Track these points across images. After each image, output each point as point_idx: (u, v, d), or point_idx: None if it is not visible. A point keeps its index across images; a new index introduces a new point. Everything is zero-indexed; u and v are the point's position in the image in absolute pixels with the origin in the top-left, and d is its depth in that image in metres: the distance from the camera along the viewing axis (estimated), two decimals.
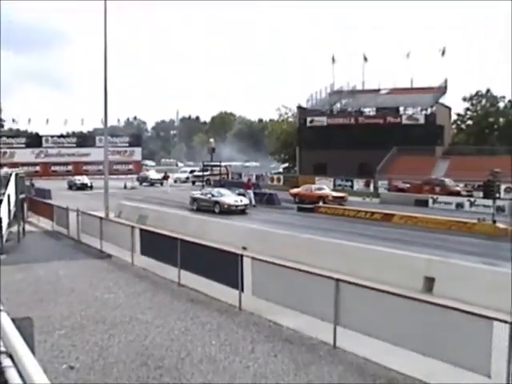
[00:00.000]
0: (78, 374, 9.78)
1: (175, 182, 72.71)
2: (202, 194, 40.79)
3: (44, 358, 10.34)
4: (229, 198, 39.03)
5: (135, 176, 75.47)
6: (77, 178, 66.64)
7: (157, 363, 10.31)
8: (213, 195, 39.30)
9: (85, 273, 18.69)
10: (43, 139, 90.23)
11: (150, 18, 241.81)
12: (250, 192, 43.80)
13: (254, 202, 42.02)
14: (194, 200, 40.43)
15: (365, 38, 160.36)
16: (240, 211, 37.79)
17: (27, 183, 35.03)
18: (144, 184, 70.17)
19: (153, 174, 74.79)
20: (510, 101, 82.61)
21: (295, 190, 48.60)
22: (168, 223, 27.67)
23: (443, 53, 73.28)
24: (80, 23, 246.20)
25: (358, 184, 61.73)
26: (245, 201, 39.60)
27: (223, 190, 41.31)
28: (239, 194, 41.55)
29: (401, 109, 72.98)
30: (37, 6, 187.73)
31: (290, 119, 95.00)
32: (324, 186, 50.71)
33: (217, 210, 37.50)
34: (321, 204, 41.14)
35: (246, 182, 49.72)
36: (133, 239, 19.84)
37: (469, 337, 8.94)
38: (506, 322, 8.53)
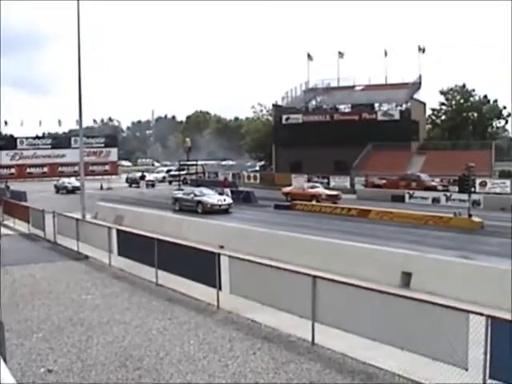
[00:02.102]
0: (56, 377, 9.70)
1: (149, 181, 67.93)
2: (184, 194, 40.20)
3: (22, 362, 10.29)
4: (212, 197, 38.47)
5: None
6: (66, 180, 61.90)
7: (136, 364, 10.26)
8: (195, 195, 38.57)
9: (62, 275, 18.56)
10: (18, 141, 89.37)
11: (124, 18, 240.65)
12: (227, 190, 43.58)
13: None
14: (176, 200, 39.81)
15: (338, 36, 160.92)
16: (223, 211, 37.28)
17: (2, 186, 34.76)
18: (134, 186, 66.87)
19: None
20: (485, 96, 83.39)
21: (287, 189, 47.82)
22: (145, 223, 27.55)
23: (422, 50, 73.60)
24: (55, 23, 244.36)
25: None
26: (228, 200, 38.98)
27: (206, 190, 40.63)
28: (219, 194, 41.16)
29: (376, 105, 73.18)
30: (10, 7, 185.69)
31: (266, 117, 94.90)
32: (318, 185, 49.77)
33: (200, 210, 36.89)
34: (296, 201, 41.14)
35: (223, 181, 49.55)
36: (110, 240, 19.73)
37: (446, 330, 8.99)
38: (481, 314, 8.59)
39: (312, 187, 46.64)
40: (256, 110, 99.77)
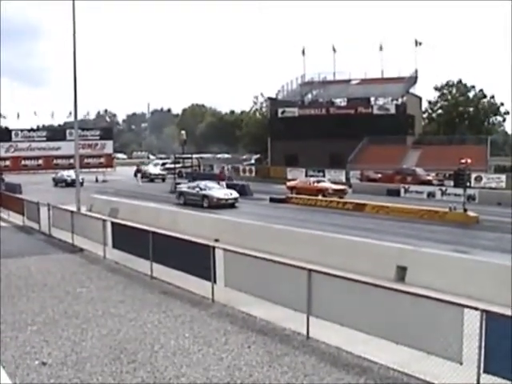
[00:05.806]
0: (50, 370, 9.67)
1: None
2: (189, 188, 39.33)
3: (16, 355, 10.26)
4: (218, 191, 37.66)
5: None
6: (65, 173, 58.28)
7: (130, 357, 10.23)
8: (201, 188, 37.66)
9: (57, 267, 18.49)
10: (13, 133, 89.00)
11: (120, 10, 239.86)
12: (223, 183, 43.36)
13: None
14: (181, 194, 39.05)
15: (335, 29, 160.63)
16: (230, 205, 36.51)
17: None
18: (143, 180, 62.23)
19: (152, 169, 68.42)
20: (481, 90, 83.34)
21: (292, 183, 46.90)
22: (140, 216, 27.43)
23: (417, 43, 73.63)
24: (51, 15, 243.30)
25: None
26: (234, 194, 38.04)
27: (211, 183, 39.72)
28: None
29: (372, 99, 73.24)
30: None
31: (264, 109, 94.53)
32: (324, 179, 49.66)
33: (205, 205, 36.01)
34: (292, 195, 41.15)
35: (219, 174, 49.31)
36: (104, 232, 19.67)
37: (441, 324, 9.00)
38: (476, 308, 8.59)
39: (318, 181, 45.78)
40: (257, 101, 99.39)
